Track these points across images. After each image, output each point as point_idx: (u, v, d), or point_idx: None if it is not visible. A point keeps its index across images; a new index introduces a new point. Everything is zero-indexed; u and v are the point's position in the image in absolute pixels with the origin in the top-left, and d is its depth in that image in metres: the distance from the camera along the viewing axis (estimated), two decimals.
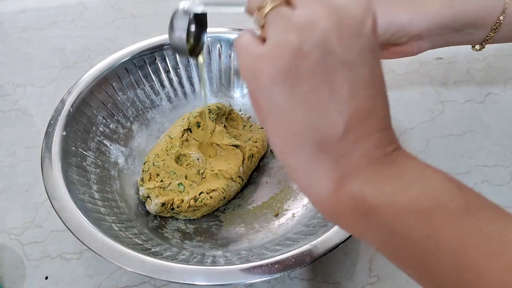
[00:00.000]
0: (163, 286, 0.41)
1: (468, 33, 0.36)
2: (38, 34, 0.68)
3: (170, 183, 0.44)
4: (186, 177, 0.45)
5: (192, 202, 0.43)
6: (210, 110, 0.49)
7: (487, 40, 0.36)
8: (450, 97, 0.60)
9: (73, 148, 0.43)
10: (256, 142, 0.48)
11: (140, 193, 0.44)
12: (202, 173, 0.46)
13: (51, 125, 0.43)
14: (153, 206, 0.43)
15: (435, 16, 0.35)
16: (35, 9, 0.73)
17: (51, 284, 0.41)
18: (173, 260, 0.35)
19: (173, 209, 0.43)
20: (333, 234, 0.35)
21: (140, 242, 0.38)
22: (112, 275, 0.42)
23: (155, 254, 0.36)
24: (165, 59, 0.52)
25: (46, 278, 0.42)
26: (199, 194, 0.43)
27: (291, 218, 0.43)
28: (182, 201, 0.43)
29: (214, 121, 0.49)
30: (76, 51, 0.65)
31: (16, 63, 0.64)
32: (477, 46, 0.37)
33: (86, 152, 0.45)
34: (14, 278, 0.42)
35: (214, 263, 0.36)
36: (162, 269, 0.33)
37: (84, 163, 0.44)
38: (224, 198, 0.44)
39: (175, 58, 0.52)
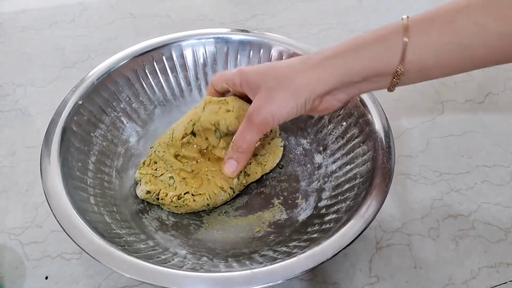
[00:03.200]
0: (162, 286, 0.41)
1: (373, 81, 0.35)
2: (38, 34, 0.68)
3: (162, 174, 0.44)
4: (179, 172, 0.45)
5: (175, 199, 0.43)
6: (217, 129, 0.45)
7: (394, 85, 0.35)
8: (450, 97, 0.60)
9: (86, 117, 0.44)
10: (264, 165, 0.47)
11: (135, 175, 0.44)
12: (196, 174, 0.45)
13: (71, 92, 0.45)
14: (139, 191, 0.43)
15: (330, 77, 0.35)
16: (35, 9, 0.73)
17: (51, 284, 0.42)
18: (123, 246, 0.35)
19: (158, 199, 0.43)
20: (279, 268, 0.33)
21: (109, 220, 0.39)
22: (112, 275, 0.42)
23: (113, 235, 0.36)
24: (204, 52, 0.52)
25: (46, 278, 0.42)
26: (184, 194, 0.43)
27: (268, 237, 0.42)
28: (167, 194, 0.43)
29: (220, 138, 0.45)
30: (76, 51, 0.65)
31: (16, 63, 0.64)
32: (389, 88, 0.37)
33: (99, 123, 0.46)
34: (14, 278, 0.42)
35: (164, 260, 0.36)
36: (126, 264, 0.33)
37: (91, 133, 0.45)
38: (208, 205, 0.43)
39: (215, 54, 0.52)
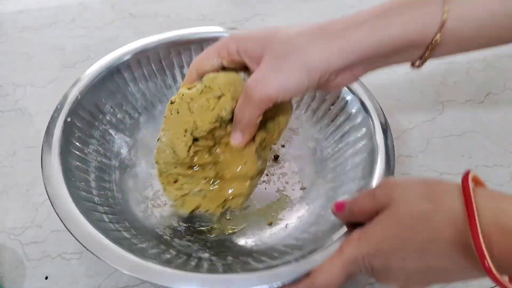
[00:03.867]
0: (163, 286, 0.41)
1: (402, 54, 0.32)
2: (38, 34, 0.68)
3: (190, 191, 0.41)
4: (204, 181, 0.41)
5: (218, 210, 0.40)
6: (220, 122, 0.37)
7: (424, 59, 0.32)
8: (450, 97, 0.60)
9: (76, 134, 0.43)
10: (272, 134, 0.41)
11: (167, 197, 0.42)
12: (220, 176, 0.41)
13: (57, 110, 0.43)
14: (182, 214, 0.41)
15: (355, 49, 0.31)
16: (35, 9, 0.73)
17: (51, 284, 0.42)
18: (156, 259, 0.35)
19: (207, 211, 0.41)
20: (319, 257, 0.33)
21: (128, 236, 0.38)
22: (112, 275, 0.42)
23: (140, 251, 0.36)
24: (180, 54, 0.51)
25: (46, 278, 0.42)
26: (223, 202, 0.40)
27: (284, 228, 0.43)
28: (207, 210, 0.40)
29: (226, 125, 0.38)
30: (76, 51, 0.65)
31: (16, 63, 0.64)
32: (417, 62, 0.33)
33: (89, 139, 0.45)
34: (14, 278, 0.42)
35: (197, 266, 0.36)
36: (142, 270, 0.33)
37: (85, 150, 0.44)
38: (249, 193, 0.41)
39: (190, 53, 0.51)
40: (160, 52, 0.50)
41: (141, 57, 0.50)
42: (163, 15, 0.72)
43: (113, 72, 0.48)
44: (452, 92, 0.60)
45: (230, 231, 0.43)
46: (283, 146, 0.50)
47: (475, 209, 0.25)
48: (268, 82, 0.31)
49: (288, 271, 0.33)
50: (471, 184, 0.26)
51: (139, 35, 0.68)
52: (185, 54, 0.51)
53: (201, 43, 0.51)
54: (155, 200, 0.45)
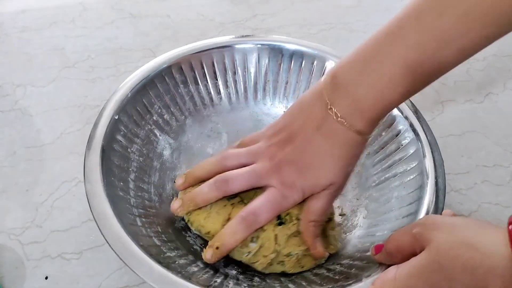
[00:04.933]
0: None
1: None
2: (38, 34, 0.68)
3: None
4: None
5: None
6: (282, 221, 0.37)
7: None
8: (450, 97, 0.60)
9: (122, 132, 0.43)
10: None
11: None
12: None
13: (105, 107, 0.43)
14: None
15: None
16: (35, 9, 0.73)
17: (51, 284, 0.41)
18: (180, 272, 0.34)
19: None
20: None
21: (158, 243, 0.37)
22: (112, 275, 0.42)
23: (167, 260, 0.35)
24: (234, 59, 0.51)
25: (46, 278, 0.42)
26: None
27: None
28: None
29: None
30: (76, 51, 0.65)
31: (16, 63, 0.64)
32: None
33: (134, 138, 0.44)
34: (14, 278, 0.42)
35: (221, 284, 0.35)
36: (167, 282, 0.32)
37: (129, 149, 0.43)
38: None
39: (245, 61, 0.51)
40: (214, 56, 0.50)
41: (194, 59, 0.49)
42: (163, 15, 0.72)
43: (164, 73, 0.48)
44: (452, 92, 0.60)
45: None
46: None
47: None
48: None
49: None
50: None
51: (139, 35, 0.68)
52: (239, 60, 0.51)
53: (256, 50, 0.51)
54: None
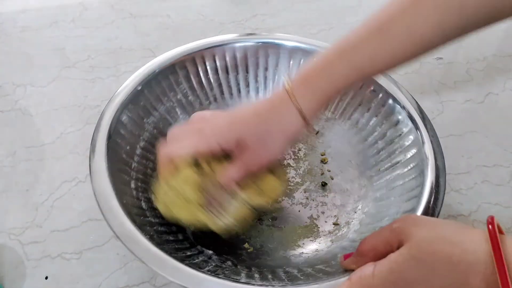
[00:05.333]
0: (163, 286, 0.41)
1: None
2: (38, 34, 0.68)
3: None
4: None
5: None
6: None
7: None
8: (450, 97, 0.60)
9: (142, 103, 0.45)
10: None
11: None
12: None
13: (132, 79, 0.45)
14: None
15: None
16: (35, 9, 0.73)
17: (51, 284, 0.42)
18: (156, 236, 0.35)
19: None
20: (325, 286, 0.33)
21: (144, 207, 0.39)
22: (112, 275, 0.42)
23: (144, 222, 0.37)
24: (267, 56, 0.52)
25: (46, 278, 0.42)
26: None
27: (297, 256, 0.41)
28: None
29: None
30: (76, 51, 0.65)
31: (16, 63, 0.64)
32: None
33: (153, 111, 0.46)
34: (14, 278, 0.42)
35: (189, 257, 0.36)
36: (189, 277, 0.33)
37: (144, 120, 0.45)
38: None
39: (277, 58, 0.52)
40: (248, 50, 0.51)
41: (227, 50, 0.51)
42: (163, 15, 0.72)
43: (195, 56, 0.49)
44: (452, 92, 0.60)
45: (246, 238, 0.42)
46: (334, 176, 0.48)
47: (505, 262, 0.24)
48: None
49: None
50: (499, 236, 0.26)
51: (139, 35, 0.68)
52: (272, 57, 0.52)
53: (289, 50, 0.51)
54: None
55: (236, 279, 0.34)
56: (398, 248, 0.29)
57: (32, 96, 0.59)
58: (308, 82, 0.35)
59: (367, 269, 0.29)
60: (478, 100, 0.59)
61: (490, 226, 0.26)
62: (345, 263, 0.34)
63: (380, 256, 0.30)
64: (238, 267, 0.38)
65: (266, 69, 0.52)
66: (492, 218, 0.26)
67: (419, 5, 0.31)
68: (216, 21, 0.71)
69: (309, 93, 0.35)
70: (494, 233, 0.25)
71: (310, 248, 0.42)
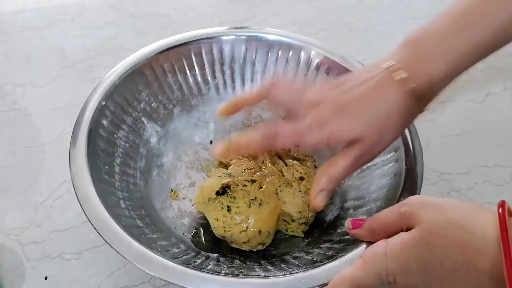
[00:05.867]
0: (162, 286, 0.41)
1: None
2: (38, 34, 0.68)
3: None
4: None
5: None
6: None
7: None
8: (450, 97, 0.60)
9: (109, 118, 0.44)
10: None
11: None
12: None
13: (93, 93, 0.44)
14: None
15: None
16: (35, 9, 0.73)
17: (51, 284, 0.41)
18: (161, 251, 0.34)
19: None
20: (337, 266, 0.33)
21: (140, 224, 0.38)
22: (111, 275, 0.42)
23: (149, 241, 0.36)
24: (222, 50, 0.51)
25: (46, 278, 0.42)
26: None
27: (296, 238, 0.42)
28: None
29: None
30: (75, 51, 0.65)
31: (16, 63, 0.63)
32: None
33: (121, 124, 0.45)
34: (13, 278, 0.42)
35: (201, 264, 0.35)
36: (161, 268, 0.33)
37: (115, 135, 0.44)
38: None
39: (232, 52, 0.52)
40: (203, 46, 0.51)
41: (182, 49, 0.50)
42: (163, 14, 0.72)
43: (152, 61, 0.48)
44: (452, 92, 0.60)
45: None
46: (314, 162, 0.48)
47: (511, 246, 0.25)
48: None
49: (308, 277, 0.32)
50: (508, 220, 0.26)
51: (139, 35, 0.68)
52: (228, 51, 0.51)
53: (244, 42, 0.51)
54: (176, 192, 0.46)
55: (257, 275, 0.34)
56: (408, 230, 0.29)
57: (31, 96, 0.59)
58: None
59: (379, 247, 0.30)
60: (478, 100, 0.59)
61: (500, 210, 0.26)
62: (354, 232, 0.34)
63: (390, 235, 0.30)
64: (248, 263, 0.38)
65: (222, 64, 0.52)
66: (503, 202, 0.26)
67: None
68: (216, 20, 0.71)
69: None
70: (504, 217, 0.26)
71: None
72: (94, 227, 0.34)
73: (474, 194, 0.49)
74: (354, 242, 0.35)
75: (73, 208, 0.47)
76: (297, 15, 0.73)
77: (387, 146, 0.35)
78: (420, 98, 0.33)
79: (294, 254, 0.39)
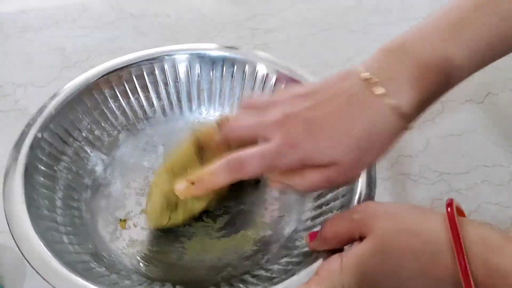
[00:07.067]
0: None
1: None
2: (38, 34, 0.68)
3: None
4: None
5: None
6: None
7: None
8: (450, 97, 0.60)
9: (47, 151, 0.42)
10: None
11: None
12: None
13: (28, 125, 0.42)
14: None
15: None
16: (35, 9, 0.73)
17: None
18: (109, 285, 0.34)
19: None
20: (293, 282, 0.32)
21: (87, 258, 0.37)
22: None
23: (96, 274, 0.35)
24: (164, 71, 0.50)
25: None
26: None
27: (256, 255, 0.41)
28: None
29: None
30: (76, 51, 0.65)
31: (16, 63, 0.64)
32: None
33: (61, 156, 0.43)
34: (14, 278, 0.42)
35: None
36: None
37: (55, 167, 0.42)
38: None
39: (175, 71, 0.50)
40: (144, 68, 0.49)
41: (123, 73, 0.48)
42: (163, 15, 0.72)
43: (92, 88, 0.47)
44: (452, 92, 0.60)
45: (200, 256, 0.40)
46: None
47: (464, 251, 0.24)
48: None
49: None
50: (458, 219, 0.25)
51: (139, 35, 0.68)
52: (170, 71, 0.50)
53: (186, 60, 0.50)
54: (126, 221, 0.44)
55: None
56: (360, 237, 0.29)
57: (32, 96, 0.59)
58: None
59: (334, 263, 0.29)
60: (478, 100, 0.59)
61: (448, 209, 0.25)
62: (312, 245, 0.33)
63: (344, 242, 0.30)
64: None
65: (166, 84, 0.50)
66: (451, 200, 0.26)
67: None
68: (216, 21, 0.71)
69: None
70: (453, 216, 0.25)
71: (264, 247, 0.41)
72: (31, 266, 0.34)
73: (473, 194, 0.49)
74: (312, 254, 0.34)
75: None
76: (297, 15, 0.73)
77: (364, 169, 0.33)
78: (404, 113, 0.29)
79: (253, 273, 0.37)
